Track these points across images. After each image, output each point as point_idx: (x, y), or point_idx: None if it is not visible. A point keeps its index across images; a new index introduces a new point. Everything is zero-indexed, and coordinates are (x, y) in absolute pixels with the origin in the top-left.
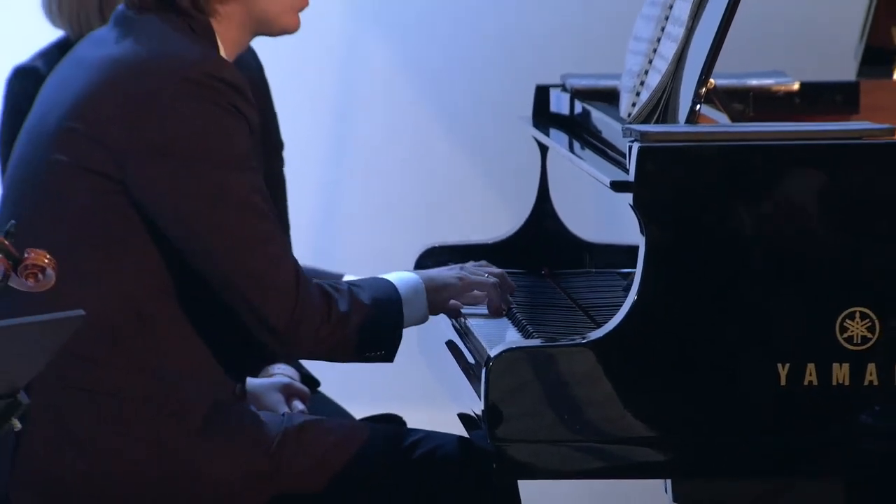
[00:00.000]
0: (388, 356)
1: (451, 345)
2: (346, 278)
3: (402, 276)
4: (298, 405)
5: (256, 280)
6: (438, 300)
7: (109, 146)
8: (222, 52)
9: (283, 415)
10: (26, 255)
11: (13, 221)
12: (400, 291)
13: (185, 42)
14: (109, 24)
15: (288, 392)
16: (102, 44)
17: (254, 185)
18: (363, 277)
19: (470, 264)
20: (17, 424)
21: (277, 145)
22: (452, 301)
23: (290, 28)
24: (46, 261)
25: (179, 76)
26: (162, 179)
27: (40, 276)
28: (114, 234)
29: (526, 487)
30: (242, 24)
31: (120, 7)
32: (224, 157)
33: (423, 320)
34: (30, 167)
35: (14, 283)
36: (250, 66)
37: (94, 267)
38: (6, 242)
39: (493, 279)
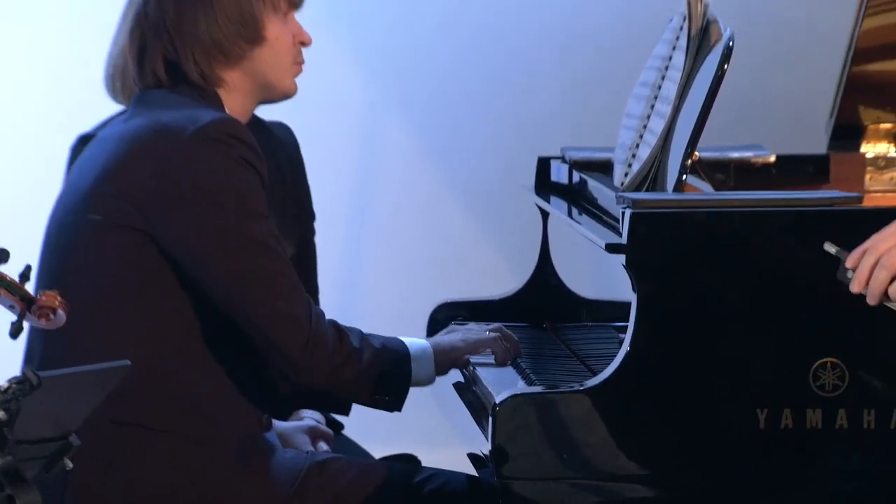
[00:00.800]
0: (397, 404)
1: (458, 388)
2: None
3: (411, 339)
4: (323, 446)
5: (271, 313)
6: (446, 361)
7: (137, 202)
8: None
9: (308, 452)
10: (39, 297)
11: (28, 265)
12: (409, 349)
13: (200, 107)
14: (130, 106)
15: (314, 434)
16: (125, 121)
17: (266, 228)
18: (386, 336)
19: (471, 324)
20: (69, 464)
21: (310, 216)
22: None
23: (290, 92)
24: (58, 302)
25: (196, 135)
26: (184, 227)
27: (51, 315)
28: (145, 281)
29: None
30: (247, 91)
31: (137, 91)
32: (239, 205)
33: (429, 380)
34: (65, 228)
35: (29, 321)
36: (286, 143)
37: (129, 313)
38: (21, 285)
39: (494, 335)
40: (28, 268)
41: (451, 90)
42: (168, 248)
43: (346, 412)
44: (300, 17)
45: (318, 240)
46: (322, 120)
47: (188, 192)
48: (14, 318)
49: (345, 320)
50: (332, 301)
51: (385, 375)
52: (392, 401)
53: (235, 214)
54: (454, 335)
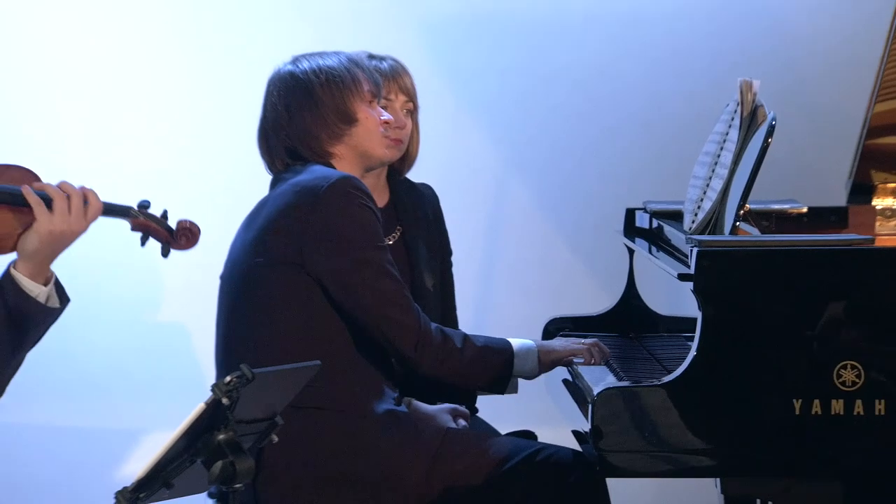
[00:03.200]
0: (499, 388)
1: (566, 383)
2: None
3: (521, 340)
4: (462, 423)
5: (389, 321)
6: (547, 360)
7: (292, 242)
8: None
9: (447, 428)
10: (178, 224)
11: (165, 209)
12: (514, 348)
13: (328, 170)
14: (272, 185)
15: (455, 413)
16: (274, 190)
17: (384, 256)
18: (495, 337)
19: (572, 339)
20: (275, 438)
21: (448, 253)
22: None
23: (385, 158)
24: (189, 224)
25: (329, 189)
26: (326, 257)
27: (188, 236)
28: (304, 300)
29: (613, 483)
30: (352, 159)
31: (274, 177)
32: (365, 239)
33: (533, 373)
34: (237, 268)
35: (172, 245)
36: (430, 198)
37: (295, 325)
38: (156, 216)
39: (586, 345)
40: (165, 211)
41: (562, 157)
42: (316, 274)
43: (472, 405)
44: (451, 105)
45: (458, 270)
46: (459, 180)
47: (328, 232)
48: (160, 244)
49: (478, 331)
50: (468, 317)
51: (486, 367)
52: (493, 385)
53: (362, 246)
54: (558, 342)
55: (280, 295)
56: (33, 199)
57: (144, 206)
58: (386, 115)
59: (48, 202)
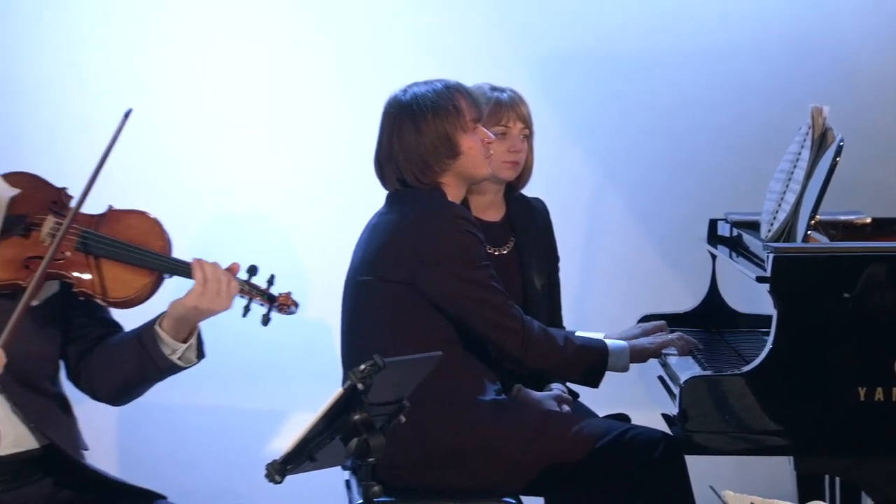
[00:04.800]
0: (595, 382)
1: (661, 379)
2: (587, 334)
3: (616, 341)
4: (565, 407)
5: (497, 327)
6: (638, 357)
7: (403, 266)
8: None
9: (547, 410)
10: (279, 297)
11: (272, 274)
12: (609, 347)
13: (433, 200)
14: (385, 203)
15: (559, 399)
16: (383, 214)
17: (488, 273)
18: (595, 336)
19: (656, 328)
20: (402, 419)
21: (556, 259)
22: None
23: (486, 176)
24: (290, 301)
25: (437, 217)
26: (436, 277)
27: (290, 309)
28: (413, 312)
29: (695, 461)
30: (457, 184)
31: (388, 194)
32: (469, 260)
33: (625, 368)
34: (354, 279)
35: (272, 315)
36: (541, 210)
37: (408, 332)
38: (266, 289)
39: (673, 338)
40: (272, 276)
41: (653, 174)
42: (426, 291)
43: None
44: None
45: (562, 274)
46: (564, 195)
47: (436, 257)
48: (264, 311)
49: (579, 327)
50: (571, 315)
51: (585, 363)
52: (589, 379)
53: (467, 267)
54: (648, 338)
55: (394, 307)
56: (199, 276)
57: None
58: (489, 135)
59: (202, 287)
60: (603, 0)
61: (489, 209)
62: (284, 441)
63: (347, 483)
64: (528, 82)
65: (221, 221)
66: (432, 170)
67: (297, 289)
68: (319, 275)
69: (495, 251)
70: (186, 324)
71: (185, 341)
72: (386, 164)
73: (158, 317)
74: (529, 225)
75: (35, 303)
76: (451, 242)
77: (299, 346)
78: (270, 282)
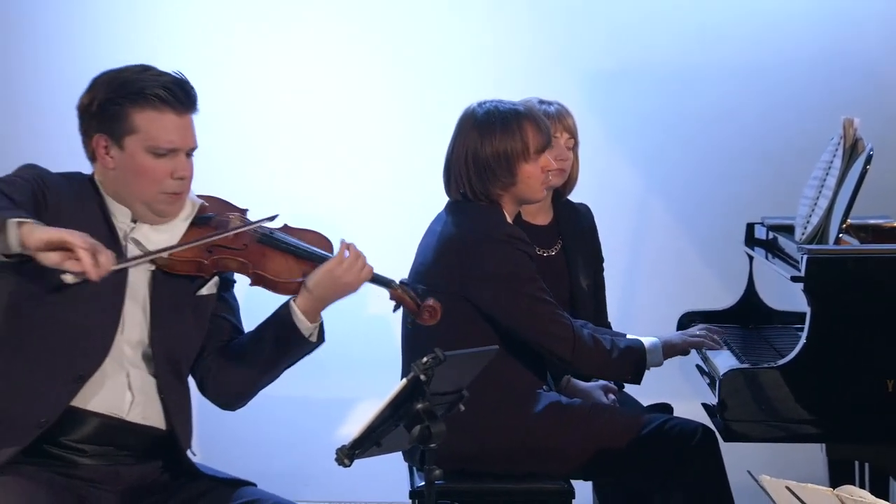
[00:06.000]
0: (637, 379)
1: (699, 367)
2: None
3: (648, 338)
4: (611, 397)
5: (548, 336)
6: (670, 353)
7: (454, 279)
8: (508, 217)
9: (593, 403)
10: (424, 302)
11: (403, 279)
12: (645, 346)
13: (491, 217)
14: (445, 210)
15: (606, 390)
16: (444, 222)
17: (538, 286)
18: (631, 337)
19: (694, 328)
20: (462, 407)
21: (601, 260)
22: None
23: (539, 200)
24: (438, 308)
25: (489, 238)
26: (488, 292)
27: (434, 314)
28: (466, 320)
29: (733, 448)
30: (512, 202)
31: (449, 201)
32: (519, 276)
33: (659, 364)
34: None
35: (416, 318)
36: (586, 215)
37: (461, 337)
38: (411, 291)
39: (700, 334)
40: (423, 290)
41: (693, 181)
42: (478, 304)
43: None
44: (603, 139)
45: (607, 275)
46: (610, 200)
47: (488, 273)
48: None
49: (624, 324)
50: (616, 313)
51: (627, 363)
52: (633, 378)
53: (518, 282)
54: (678, 334)
55: (448, 315)
56: (342, 247)
57: (405, 282)
58: (551, 164)
59: (342, 255)
60: (645, 22)
61: (539, 214)
62: (352, 428)
63: (410, 467)
64: (577, 97)
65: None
66: (490, 184)
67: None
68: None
69: (544, 253)
70: (320, 300)
71: (312, 323)
72: (451, 170)
73: (291, 297)
74: (575, 228)
75: (204, 292)
76: (502, 261)
77: (365, 339)
78: (419, 293)
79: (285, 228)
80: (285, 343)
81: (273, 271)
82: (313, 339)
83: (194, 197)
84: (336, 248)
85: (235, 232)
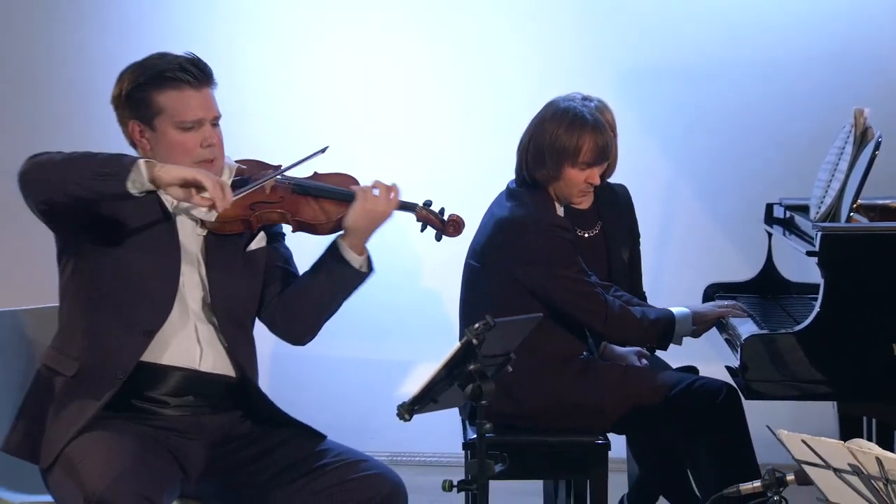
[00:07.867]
0: (664, 346)
1: (719, 326)
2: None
3: (680, 308)
4: (644, 361)
5: (585, 310)
6: (699, 322)
7: (504, 260)
8: (557, 207)
9: (627, 365)
10: (450, 217)
11: (429, 200)
12: (675, 316)
13: (540, 206)
14: (505, 193)
15: (639, 354)
16: (503, 206)
17: (578, 268)
18: (661, 308)
19: (720, 301)
20: (510, 369)
21: (637, 236)
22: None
23: (572, 203)
24: (459, 219)
25: (537, 226)
26: (533, 274)
27: (458, 226)
28: (514, 296)
29: (753, 406)
30: (557, 198)
31: (510, 183)
32: (561, 261)
33: (689, 332)
34: (467, 267)
35: (445, 234)
36: (624, 194)
37: (509, 311)
38: (434, 210)
39: (729, 306)
40: (442, 209)
41: (718, 165)
42: (525, 283)
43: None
44: (637, 130)
45: (641, 250)
46: (643, 183)
47: (534, 256)
48: (434, 232)
49: (655, 294)
50: (649, 284)
51: (657, 331)
52: (659, 344)
53: (560, 265)
54: (708, 306)
55: (498, 292)
56: (360, 188)
57: (427, 204)
58: (595, 179)
59: (370, 191)
60: (675, 22)
61: (582, 199)
62: (412, 387)
63: (463, 422)
64: (614, 91)
65: None
66: (537, 171)
67: (422, 263)
68: (438, 250)
69: (585, 233)
70: (360, 233)
71: (360, 255)
72: (519, 151)
73: (338, 235)
74: (613, 208)
75: (253, 247)
76: (546, 248)
77: (421, 309)
78: (441, 212)
79: (315, 176)
80: (340, 277)
81: (311, 216)
82: (364, 269)
83: (231, 161)
84: (362, 183)
85: (273, 178)
